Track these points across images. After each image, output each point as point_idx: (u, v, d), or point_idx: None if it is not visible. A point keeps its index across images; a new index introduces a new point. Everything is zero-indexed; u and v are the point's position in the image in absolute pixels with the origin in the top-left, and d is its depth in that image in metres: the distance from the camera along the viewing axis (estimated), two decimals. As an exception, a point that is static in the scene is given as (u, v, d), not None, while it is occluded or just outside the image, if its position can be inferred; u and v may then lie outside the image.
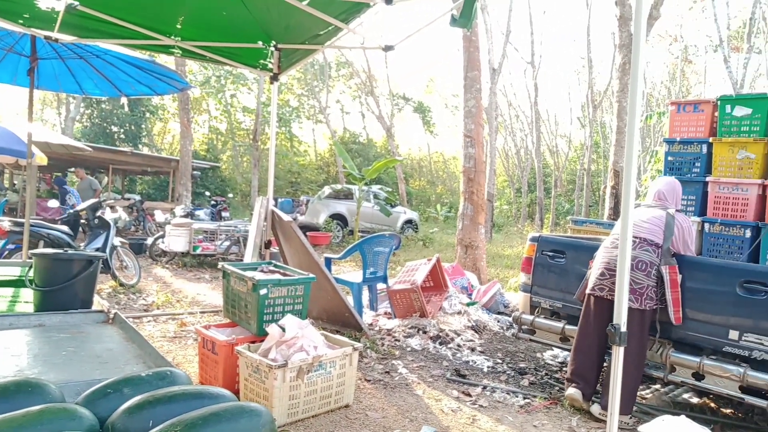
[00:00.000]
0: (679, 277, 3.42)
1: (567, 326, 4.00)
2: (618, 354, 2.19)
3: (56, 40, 4.80)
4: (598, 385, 3.69)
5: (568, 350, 3.92)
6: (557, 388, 4.07)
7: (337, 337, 3.64)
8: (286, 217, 5.19)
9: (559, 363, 4.74)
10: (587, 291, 3.67)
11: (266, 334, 3.32)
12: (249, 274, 3.64)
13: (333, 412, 3.34)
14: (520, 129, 31.89)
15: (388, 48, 4.55)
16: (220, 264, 3.96)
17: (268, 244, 5.36)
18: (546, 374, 4.40)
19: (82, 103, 23.03)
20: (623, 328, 2.16)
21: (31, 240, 6.04)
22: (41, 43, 5.33)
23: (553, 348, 4.64)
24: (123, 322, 3.04)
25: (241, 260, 7.14)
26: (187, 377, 1.74)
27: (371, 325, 5.35)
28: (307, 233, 13.64)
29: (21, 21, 4.52)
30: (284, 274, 3.87)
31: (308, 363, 3.13)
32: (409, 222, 17.13)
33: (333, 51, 25.28)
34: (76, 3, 4.04)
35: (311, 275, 3.81)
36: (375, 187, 15.84)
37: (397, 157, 22.27)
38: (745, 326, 3.22)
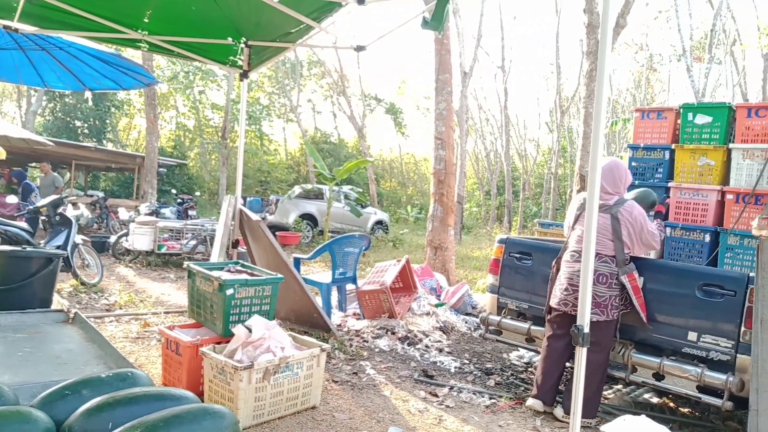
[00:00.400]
0: (641, 281, 3.51)
1: (533, 327, 4.07)
2: (581, 355, 2.23)
3: (16, 30, 4.64)
4: (562, 386, 3.76)
5: (534, 351, 3.98)
6: (522, 388, 4.13)
7: (305, 338, 3.62)
8: (254, 217, 5.13)
9: (525, 363, 4.81)
10: (552, 305, 3.72)
11: (232, 335, 3.28)
12: (215, 273, 3.58)
13: (299, 414, 3.31)
14: (490, 132, 32.29)
15: (359, 48, 4.55)
16: (186, 263, 3.89)
17: (235, 244, 5.29)
18: (512, 374, 4.45)
19: (45, 96, 22.33)
20: (586, 329, 2.21)
21: (-13, 237, 5.82)
22: (0, 32, 5.14)
23: (519, 348, 4.71)
24: (83, 322, 2.96)
25: (208, 260, 7.03)
26: (149, 378, 1.70)
27: (340, 325, 5.33)
28: (277, 233, 13.51)
29: (-22, 9, 4.35)
30: (252, 274, 3.82)
31: (275, 364, 3.10)
32: (379, 223, 17.15)
33: (305, 49, 25.15)
34: (38, -8, 3.91)
35: (279, 275, 3.78)
36: (346, 188, 15.80)
37: (369, 157, 22.27)
38: (704, 328, 3.33)
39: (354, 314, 5.74)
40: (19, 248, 3.37)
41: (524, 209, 27.43)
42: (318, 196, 15.59)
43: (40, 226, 7.74)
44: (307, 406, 3.36)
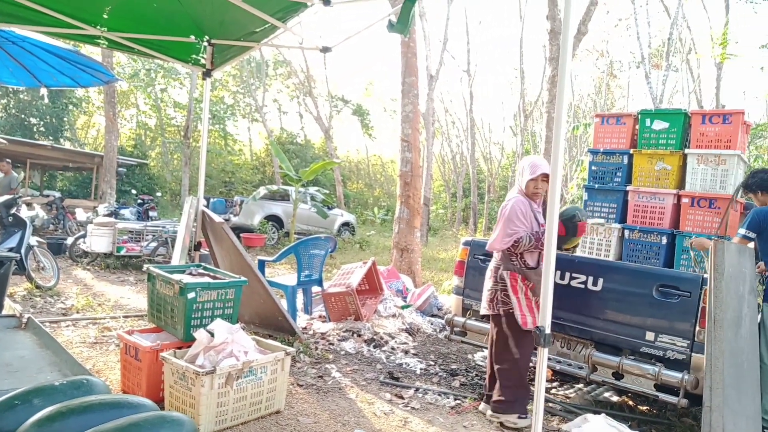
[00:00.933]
0: (522, 285, 3.45)
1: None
2: (542, 355, 2.26)
3: (-35, 23, 4.44)
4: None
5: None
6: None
7: (270, 341, 3.57)
8: (217, 218, 5.04)
9: (490, 364, 4.86)
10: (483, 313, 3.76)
11: (194, 339, 3.21)
12: (176, 276, 3.49)
13: (263, 419, 3.27)
14: (456, 135, 32.62)
15: (325, 49, 4.53)
16: (146, 266, 3.79)
17: (197, 246, 5.19)
18: (476, 375, 4.50)
19: (-3, 93, 21.46)
20: (548, 330, 2.24)
21: (-67, 239, 5.55)
22: (-52, 25, 4.92)
23: (484, 349, 4.76)
24: (37, 327, 2.84)
25: (169, 262, 6.87)
26: (106, 386, 1.64)
27: (305, 328, 5.28)
28: (241, 235, 13.32)
29: (-77, 1, 4.14)
30: (214, 277, 3.75)
31: (238, 369, 3.05)
32: (346, 224, 17.10)
33: (271, 49, 24.89)
34: (-11, -16, 3.76)
35: (243, 278, 3.72)
36: (312, 189, 15.70)
37: (335, 159, 22.20)
38: (661, 328, 3.43)
39: (320, 317, 5.71)
40: (-33, 251, 3.22)
41: (489, 211, 27.78)
42: (284, 197, 15.44)
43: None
44: (271, 411, 3.31)
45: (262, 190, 14.68)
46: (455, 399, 3.89)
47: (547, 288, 2.26)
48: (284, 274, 7.94)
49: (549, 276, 2.25)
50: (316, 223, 15.25)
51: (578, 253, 3.98)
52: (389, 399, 3.80)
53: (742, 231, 3.67)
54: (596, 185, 4.73)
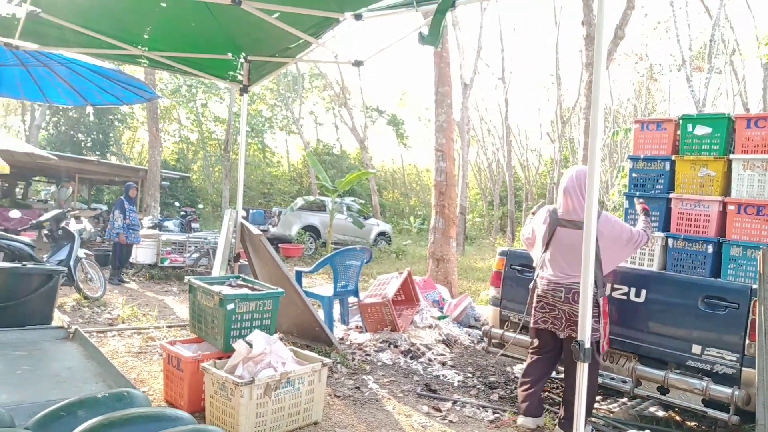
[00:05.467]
0: (608, 307, 3.45)
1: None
2: (582, 370, 2.21)
3: (17, 48, 4.68)
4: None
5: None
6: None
7: (306, 352, 3.60)
8: (255, 230, 5.13)
9: (529, 376, 4.76)
10: (531, 324, 3.67)
11: (233, 350, 3.26)
12: (216, 288, 3.57)
13: (301, 430, 3.29)
14: (492, 143, 32.34)
15: (358, 63, 4.57)
16: (187, 278, 3.89)
17: (237, 257, 5.29)
18: (516, 388, 4.41)
19: (48, 111, 22.49)
20: (587, 345, 2.19)
21: (-10, 252, 5.83)
22: (1, 50, 5.19)
23: (523, 362, 4.67)
24: (83, 338, 2.95)
25: (211, 273, 7.02)
26: (146, 398, 1.69)
27: (342, 339, 5.30)
28: (279, 245, 13.53)
29: (-20, 28, 4.40)
30: (252, 289, 3.81)
31: (276, 380, 3.08)
32: (382, 234, 17.14)
33: (306, 63, 25.28)
34: (39, 10, 3.95)
35: (280, 290, 3.76)
36: (348, 199, 15.82)
37: (371, 169, 22.30)
38: (708, 340, 3.29)
39: (356, 327, 5.72)
40: (19, 265, 3.37)
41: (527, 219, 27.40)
42: (320, 207, 15.60)
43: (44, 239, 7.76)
44: (308, 422, 3.33)
45: (300, 201, 14.89)
46: (494, 413, 3.82)
47: (586, 301, 2.20)
48: (321, 285, 8.01)
49: (588, 289, 2.19)
50: (352, 233, 15.35)
51: (621, 264, 3.86)
52: (427, 412, 3.77)
53: None
54: (638, 193, 4.60)
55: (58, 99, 6.42)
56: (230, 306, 3.38)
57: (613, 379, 3.66)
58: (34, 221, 8.10)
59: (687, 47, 14.27)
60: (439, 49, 7.67)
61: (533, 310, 3.64)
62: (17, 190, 19.55)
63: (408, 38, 4.15)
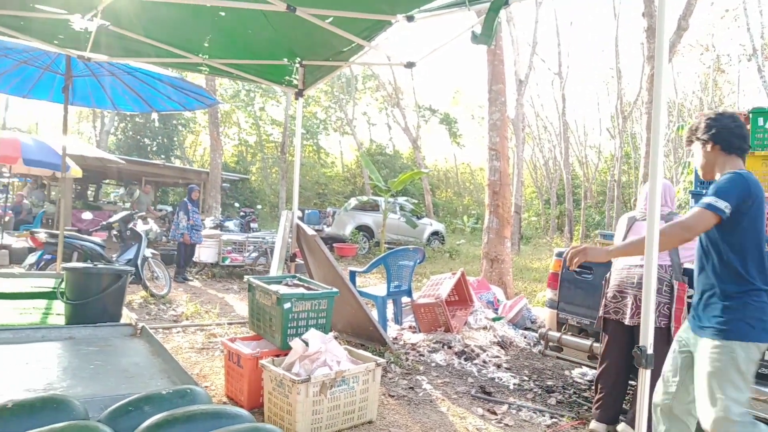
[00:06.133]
0: (686, 293, 3.31)
1: (595, 344, 3.91)
2: (644, 377, 2.12)
3: (89, 60, 4.97)
4: (626, 404, 3.59)
5: (596, 368, 3.82)
6: (586, 407, 3.97)
7: (361, 352, 3.64)
8: (310, 231, 5.23)
9: (588, 381, 4.63)
10: (601, 314, 3.57)
11: (290, 347, 3.34)
12: (273, 287, 3.66)
13: (356, 428, 3.32)
14: (548, 140, 31.59)
15: (410, 65, 4.57)
16: (246, 277, 4.01)
17: (293, 257, 5.41)
18: (574, 393, 4.30)
19: (116, 117, 23.72)
20: (650, 350, 2.10)
21: (65, 251, 6.22)
22: (75, 62, 5.53)
23: (582, 366, 4.54)
24: (149, 335, 3.10)
25: (269, 272, 7.22)
26: (207, 395, 1.76)
27: (395, 339, 5.32)
28: (334, 245, 13.72)
29: (56, 42, 4.70)
30: (308, 288, 3.89)
31: (331, 378, 3.13)
32: (435, 234, 17.07)
33: (359, 65, 25.51)
34: (108, 24, 4.18)
35: (334, 289, 3.82)
36: (401, 199, 15.85)
37: (424, 168, 22.25)
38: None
39: (410, 327, 5.73)
40: (91, 265, 3.58)
41: (586, 218, 26.57)
42: (374, 207, 15.71)
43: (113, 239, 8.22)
44: (363, 421, 3.36)
45: (353, 201, 15.04)
46: (551, 417, 3.74)
47: (649, 304, 2.12)
48: (375, 285, 8.07)
49: (651, 290, 2.11)
50: (405, 233, 15.37)
51: (687, 265, 3.69)
52: (481, 414, 3.73)
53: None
54: (703, 190, 4.37)
55: (125, 106, 6.77)
56: (287, 305, 3.46)
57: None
58: (104, 222, 8.59)
59: (758, 35, 13.43)
60: (493, 46, 7.56)
61: (605, 300, 3.55)
62: (89, 192, 20.74)
63: (461, 37, 4.12)
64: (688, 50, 21.48)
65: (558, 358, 4.30)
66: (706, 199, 2.30)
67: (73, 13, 4.03)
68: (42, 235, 6.56)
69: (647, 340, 2.10)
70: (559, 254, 4.38)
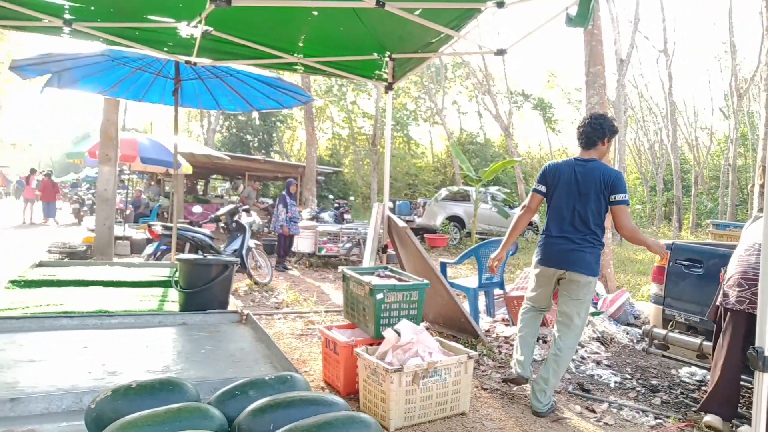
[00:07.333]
0: None
1: (705, 342, 3.65)
2: (761, 380, 1.96)
3: (195, 64, 5.34)
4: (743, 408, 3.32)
5: (707, 368, 3.57)
6: (694, 408, 3.72)
7: (452, 343, 3.64)
8: (400, 223, 5.29)
9: (697, 381, 4.32)
10: (720, 303, 3.29)
11: (383, 337, 3.42)
12: (366, 278, 3.76)
13: (449, 419, 3.33)
14: (654, 122, 29.52)
15: (501, 52, 4.46)
16: (340, 268, 4.15)
17: (384, 249, 5.51)
18: (681, 393, 4.03)
19: (221, 116, 25.27)
20: (767, 352, 1.93)
21: (178, 242, 6.76)
22: (183, 66, 5.96)
23: (691, 365, 4.25)
24: (254, 323, 3.30)
25: (361, 262, 7.41)
26: (306, 382, 1.85)
27: (488, 331, 5.27)
28: (425, 235, 13.77)
29: (166, 49, 5.10)
30: (399, 280, 3.95)
31: (423, 369, 3.17)
32: (529, 224, 16.58)
33: (448, 55, 25.27)
34: (211, 29, 4.46)
35: (425, 281, 3.85)
36: (493, 188, 15.56)
37: (516, 157, 21.64)
38: None
39: (503, 320, 5.64)
40: (201, 257, 3.86)
41: (697, 206, 24.60)
42: (465, 197, 15.55)
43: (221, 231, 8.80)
44: (456, 412, 3.37)
45: (444, 192, 14.98)
46: (656, 418, 3.54)
47: (766, 303, 1.94)
48: (467, 276, 8.01)
49: (766, 290, 1.94)
50: (497, 223, 15.08)
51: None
52: (579, 412, 3.61)
53: None
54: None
55: (228, 106, 7.20)
56: (379, 296, 3.54)
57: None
58: (212, 215, 9.21)
59: None
60: (590, 26, 7.18)
61: (727, 289, 3.28)
62: (198, 187, 22.30)
63: (554, 20, 3.96)
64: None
65: (663, 356, 4.05)
66: None
67: (180, 21, 4.34)
68: (158, 227, 7.16)
69: (764, 340, 1.93)
70: (666, 246, 4.12)
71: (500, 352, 4.69)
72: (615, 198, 3.42)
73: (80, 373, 2.29)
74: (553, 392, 3.57)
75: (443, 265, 5.85)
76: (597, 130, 3.57)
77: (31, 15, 4.25)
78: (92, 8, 4.28)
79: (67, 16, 4.37)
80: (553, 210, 3.62)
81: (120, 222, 10.78)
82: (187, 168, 13.62)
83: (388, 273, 4.19)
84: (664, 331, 3.94)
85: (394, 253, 5.72)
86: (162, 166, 12.30)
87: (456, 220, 15.07)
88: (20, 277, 4.18)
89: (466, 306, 5.16)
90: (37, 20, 4.33)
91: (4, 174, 39.35)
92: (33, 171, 18.74)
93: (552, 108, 31.18)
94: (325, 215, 14.19)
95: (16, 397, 1.88)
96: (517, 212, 3.33)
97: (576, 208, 3.50)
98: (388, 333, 3.38)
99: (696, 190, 25.17)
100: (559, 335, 3.51)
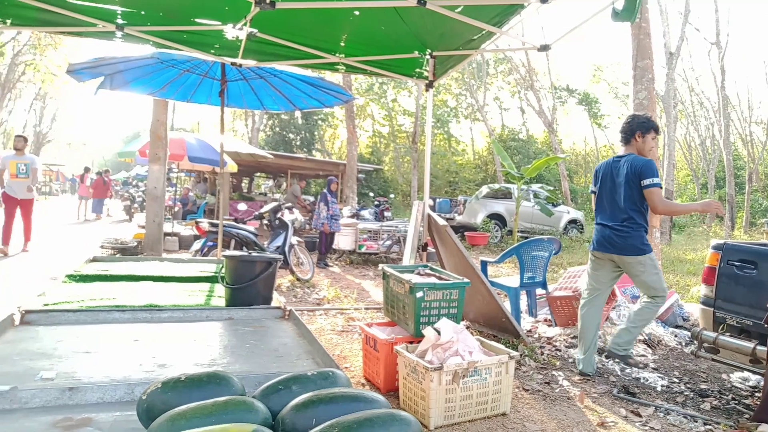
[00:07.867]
0: None
1: (759, 347, 3.50)
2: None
3: (240, 65, 5.47)
4: None
5: (761, 374, 3.43)
6: (746, 415, 3.57)
7: (493, 343, 3.62)
8: (441, 221, 5.28)
9: (750, 387, 4.15)
10: None
11: (423, 335, 3.42)
12: (406, 276, 3.77)
13: (489, 419, 3.31)
14: (705, 117, 28.38)
15: (544, 48, 4.39)
16: (380, 266, 4.17)
17: (424, 247, 5.51)
18: (732, 399, 3.88)
19: (265, 115, 25.75)
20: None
21: (224, 238, 6.95)
22: (229, 68, 6.11)
23: (743, 370, 4.08)
24: (296, 318, 3.36)
25: (401, 260, 7.43)
26: (347, 379, 1.89)
27: (530, 332, 5.20)
28: (465, 233, 13.67)
29: (212, 51, 5.24)
30: (440, 278, 3.94)
31: (463, 368, 3.16)
32: (573, 222, 16.24)
33: (490, 52, 25.01)
34: (255, 31, 4.56)
35: (465, 280, 3.83)
36: (535, 186, 15.28)
37: (560, 154, 21.23)
38: None
39: (545, 320, 5.56)
40: (246, 253, 3.96)
41: (751, 204, 23.52)
42: (506, 195, 15.35)
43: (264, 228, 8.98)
44: (497, 413, 3.35)
45: (485, 189, 14.82)
46: (705, 424, 3.42)
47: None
48: (508, 275, 7.92)
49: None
50: (540, 221, 14.84)
51: None
52: (624, 415, 3.53)
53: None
54: None
55: (272, 106, 7.34)
56: (419, 294, 3.55)
57: None
58: (257, 213, 9.41)
59: None
60: (638, 19, 6.96)
61: None
62: (243, 184, 22.79)
63: (600, 15, 3.87)
64: None
65: (713, 360, 3.91)
66: None
67: (226, 24, 4.46)
68: (205, 224, 7.37)
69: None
70: (717, 247, 3.98)
71: (542, 353, 4.63)
72: (644, 183, 3.86)
73: (132, 365, 2.39)
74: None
75: (484, 264, 5.80)
76: (627, 127, 4.12)
77: (86, 21, 4.45)
78: (143, 12, 4.45)
79: (120, 21, 4.55)
80: (599, 202, 4.24)
81: (169, 219, 11.16)
82: (232, 166, 13.96)
83: (428, 271, 4.20)
84: (714, 334, 3.80)
85: (434, 251, 5.71)
86: (209, 164, 12.65)
87: (497, 218, 14.89)
88: (76, 272, 4.37)
89: (507, 305, 5.11)
90: (92, 26, 4.53)
91: (60, 172, 41.34)
92: (87, 169, 19.57)
93: (598, 103, 30.39)
94: (366, 213, 14.27)
95: (74, 386, 1.98)
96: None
97: (614, 198, 4.06)
98: (427, 331, 3.38)
99: (750, 187, 24.06)
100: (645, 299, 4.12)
